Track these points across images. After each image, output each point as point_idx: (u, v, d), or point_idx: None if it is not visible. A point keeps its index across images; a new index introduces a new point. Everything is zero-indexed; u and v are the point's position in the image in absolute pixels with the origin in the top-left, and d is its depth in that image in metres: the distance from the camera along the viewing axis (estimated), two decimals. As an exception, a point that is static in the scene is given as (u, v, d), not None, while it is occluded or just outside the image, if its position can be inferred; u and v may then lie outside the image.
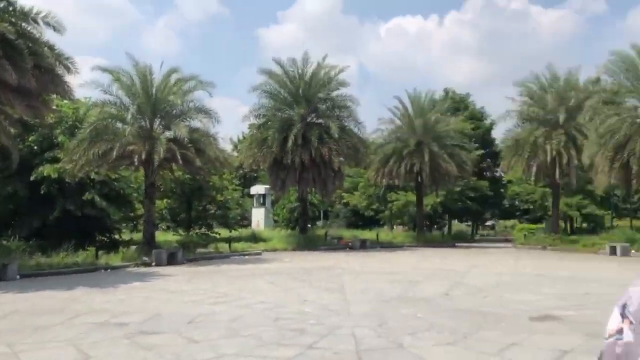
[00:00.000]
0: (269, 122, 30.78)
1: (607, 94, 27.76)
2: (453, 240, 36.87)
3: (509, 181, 43.51)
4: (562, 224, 40.79)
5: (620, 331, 1.25)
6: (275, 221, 44.63)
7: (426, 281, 14.15)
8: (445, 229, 47.61)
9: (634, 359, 1.17)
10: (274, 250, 27.11)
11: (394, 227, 49.05)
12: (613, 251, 24.53)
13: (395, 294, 11.56)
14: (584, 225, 41.94)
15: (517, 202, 44.28)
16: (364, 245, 30.11)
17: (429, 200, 39.80)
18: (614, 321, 1.28)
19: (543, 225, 39.71)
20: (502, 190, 45.87)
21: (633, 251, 24.34)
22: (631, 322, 1.23)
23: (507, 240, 40.28)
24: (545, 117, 31.08)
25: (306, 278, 15.05)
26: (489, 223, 68.65)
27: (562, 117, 29.56)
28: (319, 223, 50.13)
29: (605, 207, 41.92)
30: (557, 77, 32.18)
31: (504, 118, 33.28)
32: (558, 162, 30.02)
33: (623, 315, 1.25)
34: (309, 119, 30.27)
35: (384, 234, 37.69)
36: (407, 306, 9.97)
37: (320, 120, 30.52)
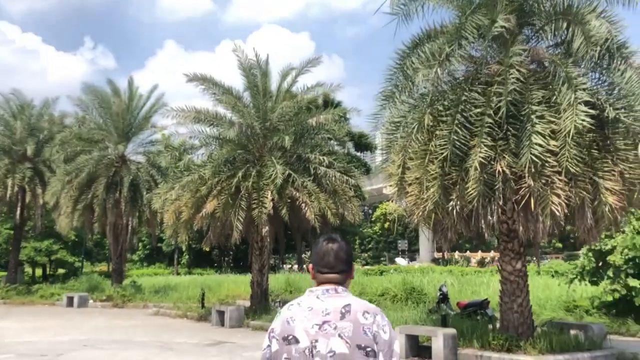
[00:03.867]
0: None
1: (82, 129, 25.73)
2: None
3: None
4: (31, 271, 36.40)
5: (268, 345, 2.25)
6: None
7: None
8: None
9: (280, 357, 2.18)
10: None
11: None
12: (70, 302, 21.83)
13: None
14: (61, 271, 38.26)
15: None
16: None
17: None
18: (265, 342, 2.26)
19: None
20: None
21: (91, 301, 22.31)
22: (276, 339, 2.21)
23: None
24: (12, 146, 26.64)
25: None
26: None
27: (30, 149, 25.67)
28: None
29: (78, 253, 39.42)
30: (32, 105, 28.33)
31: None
32: (22, 200, 25.93)
33: (270, 339, 2.24)
34: None
35: None
36: None
37: None
